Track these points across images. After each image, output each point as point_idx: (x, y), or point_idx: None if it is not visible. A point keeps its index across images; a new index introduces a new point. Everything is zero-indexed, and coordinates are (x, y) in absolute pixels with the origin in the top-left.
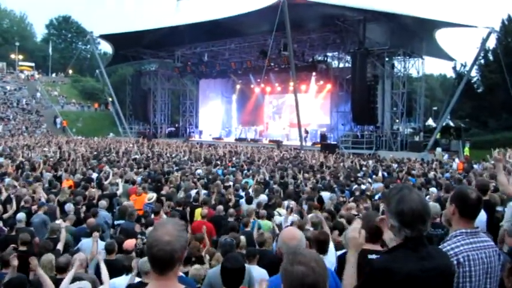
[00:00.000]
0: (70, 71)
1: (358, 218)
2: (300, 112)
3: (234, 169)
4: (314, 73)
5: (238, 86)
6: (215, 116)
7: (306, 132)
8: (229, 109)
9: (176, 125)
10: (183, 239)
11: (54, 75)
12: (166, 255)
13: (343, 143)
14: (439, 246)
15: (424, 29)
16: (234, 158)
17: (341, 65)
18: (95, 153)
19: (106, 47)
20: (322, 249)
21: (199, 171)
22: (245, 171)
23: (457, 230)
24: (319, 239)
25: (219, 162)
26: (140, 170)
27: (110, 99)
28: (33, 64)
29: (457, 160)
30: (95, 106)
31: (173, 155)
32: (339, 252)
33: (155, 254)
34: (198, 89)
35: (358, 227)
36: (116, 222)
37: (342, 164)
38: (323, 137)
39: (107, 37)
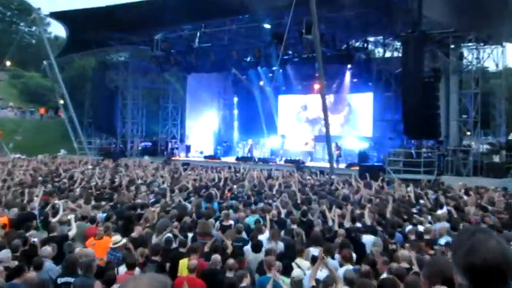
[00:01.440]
0: (7, 63)
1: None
2: (330, 121)
3: (235, 202)
4: (349, 66)
5: (241, 84)
6: (209, 125)
7: (338, 149)
8: (229, 116)
9: (154, 139)
10: None
11: None
12: None
13: (392, 164)
14: None
15: (505, 4)
16: (235, 186)
17: (387, 55)
18: (40, 178)
19: (58, 30)
20: None
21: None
22: (252, 205)
23: None
24: None
25: (214, 192)
26: (102, 202)
27: (62, 101)
28: None
29: None
30: (40, 111)
31: (149, 182)
32: None
33: None
34: (186, 88)
35: None
36: (60, 280)
37: (389, 195)
38: (362, 156)
39: (59, 15)
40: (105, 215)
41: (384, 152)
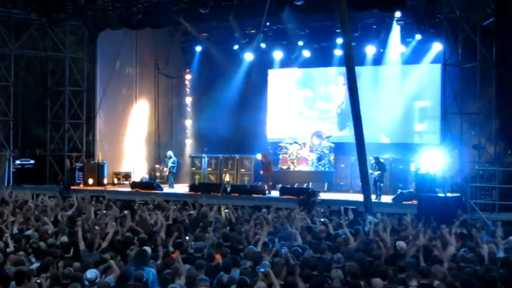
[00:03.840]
0: None
1: None
2: (363, 112)
3: (190, 267)
4: (398, 14)
5: (198, 48)
6: (138, 126)
7: (378, 163)
8: (177, 107)
9: (37, 154)
10: None
11: None
12: None
13: (477, 194)
14: None
15: None
16: (188, 238)
17: None
18: None
19: None
20: None
21: (91, 274)
22: (221, 274)
23: None
24: None
25: (149, 250)
26: None
27: None
28: None
29: None
30: None
31: (26, 233)
32: None
33: None
34: (96, 58)
35: None
36: None
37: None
38: (422, 179)
39: None
40: None
41: (461, 172)
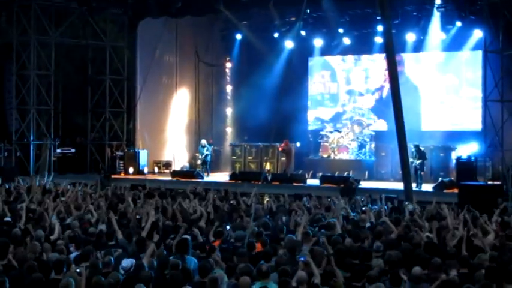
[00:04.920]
0: None
1: None
2: (404, 99)
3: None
4: None
5: (238, 36)
6: (177, 115)
7: (419, 151)
8: (217, 95)
9: (78, 142)
10: None
11: None
12: None
13: None
14: None
15: None
16: (229, 227)
17: None
18: None
19: None
20: None
21: (126, 262)
22: (262, 264)
23: None
24: None
25: (190, 238)
26: None
27: None
28: None
29: None
30: None
31: (69, 221)
32: None
33: None
34: (136, 46)
35: None
36: None
37: None
38: (464, 167)
39: None
40: None
41: (503, 161)
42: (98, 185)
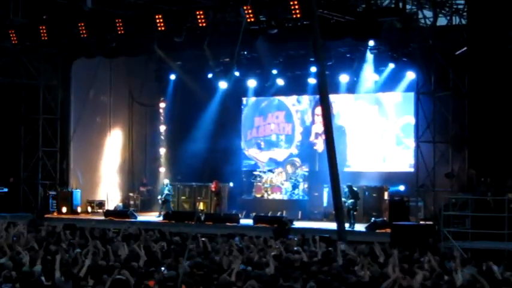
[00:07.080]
0: None
1: None
2: (337, 142)
3: None
4: (371, 42)
5: (173, 76)
6: (112, 154)
7: (351, 191)
8: (151, 135)
9: (10, 181)
10: None
11: None
12: None
13: (451, 223)
14: None
15: None
16: (163, 268)
17: (440, 22)
18: None
19: None
20: None
21: None
22: None
23: None
24: None
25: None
26: None
27: None
28: None
29: None
30: None
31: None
32: None
33: None
34: (70, 85)
35: None
36: None
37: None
38: (396, 207)
39: None
40: None
41: (435, 201)
42: (30, 224)
